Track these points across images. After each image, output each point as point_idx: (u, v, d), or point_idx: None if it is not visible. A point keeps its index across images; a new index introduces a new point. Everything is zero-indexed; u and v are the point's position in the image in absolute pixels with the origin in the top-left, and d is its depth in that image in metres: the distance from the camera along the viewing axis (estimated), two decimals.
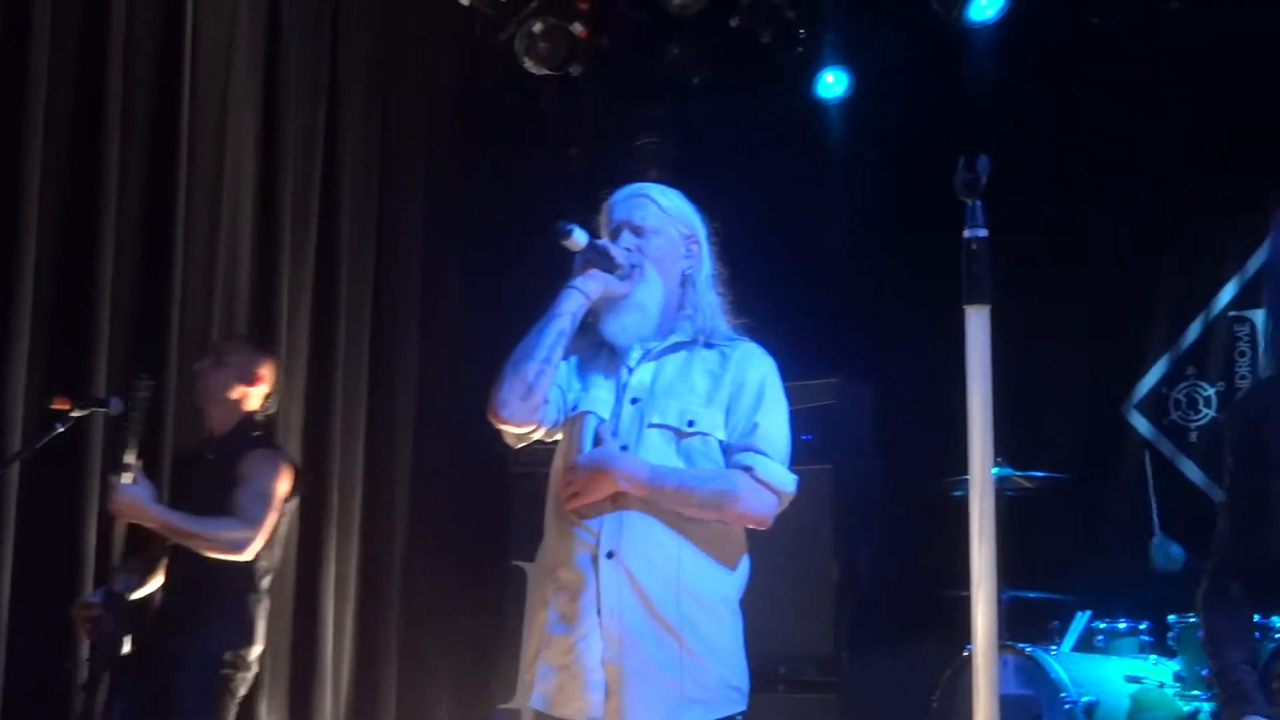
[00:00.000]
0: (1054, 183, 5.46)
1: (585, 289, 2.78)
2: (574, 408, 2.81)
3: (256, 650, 3.96)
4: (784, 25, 5.85)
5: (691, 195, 2.97)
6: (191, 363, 4.41)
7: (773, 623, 3.78)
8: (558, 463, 2.83)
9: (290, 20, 5.59)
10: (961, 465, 2.07)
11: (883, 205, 5.81)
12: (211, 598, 3.89)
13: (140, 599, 4.02)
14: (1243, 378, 5.33)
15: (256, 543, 3.86)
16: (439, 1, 5.94)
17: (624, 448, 2.72)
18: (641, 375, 2.81)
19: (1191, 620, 4.26)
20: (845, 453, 5.34)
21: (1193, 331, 5.46)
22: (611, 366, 2.84)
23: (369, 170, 5.97)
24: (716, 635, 2.71)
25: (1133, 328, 5.56)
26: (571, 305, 2.76)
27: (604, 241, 2.82)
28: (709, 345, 2.84)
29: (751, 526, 2.78)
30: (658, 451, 2.72)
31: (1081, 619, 4.70)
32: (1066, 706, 4.29)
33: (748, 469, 2.72)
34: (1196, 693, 4.24)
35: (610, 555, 2.67)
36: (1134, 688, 4.43)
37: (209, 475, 3.99)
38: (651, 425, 2.74)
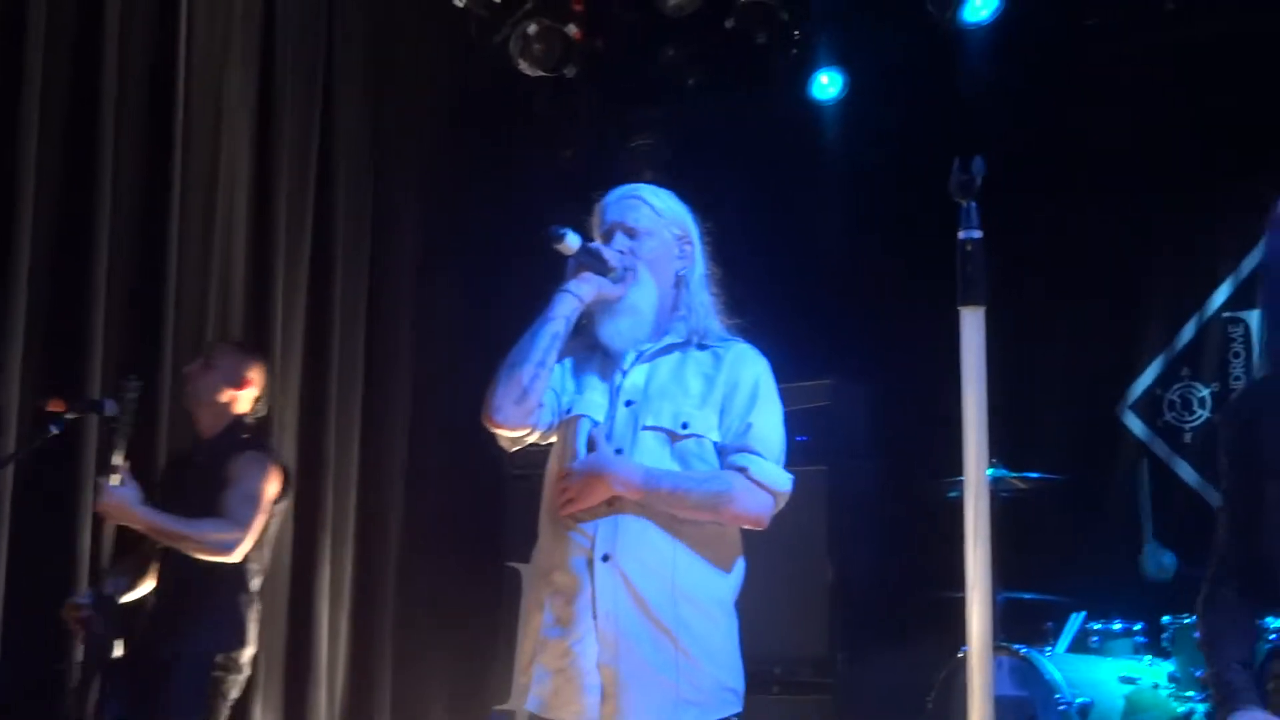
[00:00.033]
0: (1048, 184, 5.46)
1: (579, 292, 2.77)
2: (568, 411, 2.80)
3: (249, 652, 3.95)
4: (779, 26, 5.84)
5: (687, 197, 2.96)
6: (186, 364, 4.41)
7: (768, 624, 3.77)
8: (552, 466, 2.83)
9: (285, 22, 5.59)
10: (956, 466, 2.08)
11: (877, 206, 5.81)
12: (202, 600, 3.89)
13: (131, 602, 4.01)
14: (1237, 379, 5.32)
15: (245, 544, 3.86)
16: (434, 3, 5.93)
17: (618, 451, 2.72)
18: (635, 378, 2.80)
19: (1186, 621, 4.26)
20: (840, 454, 5.34)
21: (1187, 332, 5.45)
22: (605, 369, 2.84)
23: (364, 171, 5.96)
24: (712, 637, 2.71)
25: (1127, 328, 5.55)
26: (565, 309, 2.76)
27: (597, 244, 2.82)
28: (702, 346, 2.84)
29: (747, 527, 2.78)
30: (652, 454, 2.72)
31: (1076, 620, 4.70)
32: (1061, 708, 4.28)
33: (742, 470, 2.71)
34: (1191, 694, 4.23)
35: (605, 558, 2.66)
36: (1129, 689, 4.43)
37: (199, 478, 3.99)
38: (646, 428, 2.74)
